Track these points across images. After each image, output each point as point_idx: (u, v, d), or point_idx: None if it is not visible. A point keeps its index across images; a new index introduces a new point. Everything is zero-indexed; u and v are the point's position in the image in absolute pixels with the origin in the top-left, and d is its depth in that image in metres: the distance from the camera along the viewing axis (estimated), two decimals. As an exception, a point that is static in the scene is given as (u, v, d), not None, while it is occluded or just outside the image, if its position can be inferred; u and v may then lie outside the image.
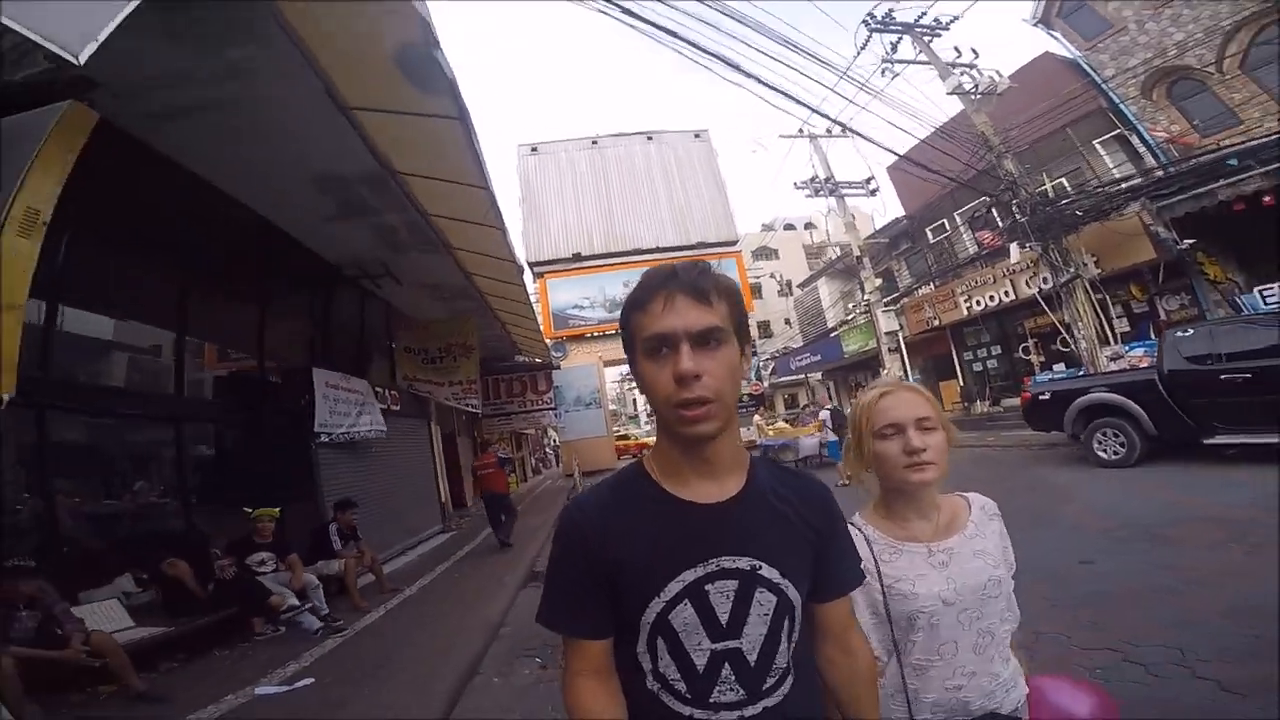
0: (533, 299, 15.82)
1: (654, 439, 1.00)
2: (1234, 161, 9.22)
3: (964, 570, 1.13)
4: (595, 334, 22.54)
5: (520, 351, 15.65)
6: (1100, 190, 11.00)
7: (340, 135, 5.11)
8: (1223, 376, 6.12)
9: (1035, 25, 14.97)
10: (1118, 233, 10.71)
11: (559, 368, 18.91)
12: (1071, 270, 10.63)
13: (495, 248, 7.16)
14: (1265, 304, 9.00)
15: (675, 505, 0.90)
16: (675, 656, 0.87)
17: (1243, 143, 9.91)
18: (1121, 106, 12.91)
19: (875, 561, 1.15)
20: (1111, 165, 12.93)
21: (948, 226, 16.95)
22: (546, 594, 0.94)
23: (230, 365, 6.63)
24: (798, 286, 29.59)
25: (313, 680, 3.76)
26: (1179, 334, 6.91)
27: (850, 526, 1.14)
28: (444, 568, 7.31)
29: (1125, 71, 12.75)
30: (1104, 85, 13.21)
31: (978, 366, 16.43)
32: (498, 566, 7.01)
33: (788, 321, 30.80)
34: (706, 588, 0.86)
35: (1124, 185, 10.96)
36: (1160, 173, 10.93)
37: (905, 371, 16.32)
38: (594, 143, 28.27)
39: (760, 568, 0.88)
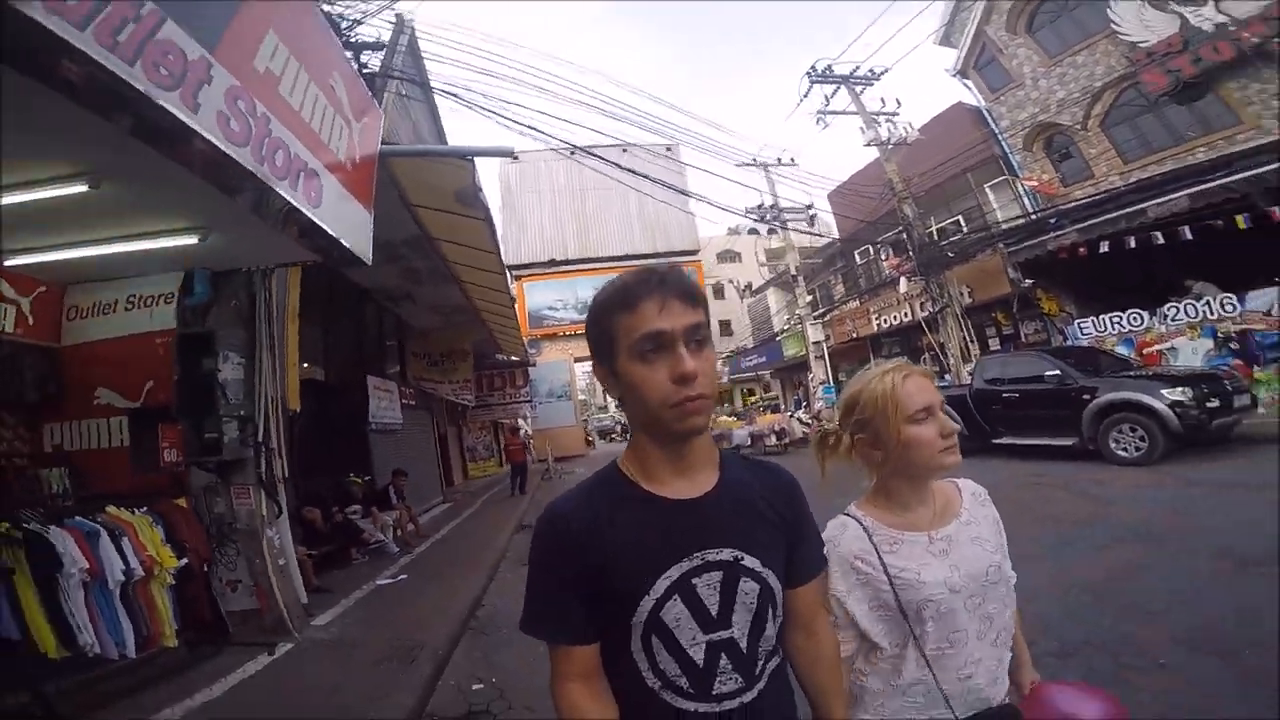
0: (511, 302, 18.23)
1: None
2: (1053, 220, 12.11)
3: (964, 557, 1.12)
4: (567, 333, 24.96)
5: (501, 351, 17.97)
6: (965, 236, 13.86)
7: (402, 218, 7.47)
8: (1004, 394, 8.92)
9: (954, 75, 16.80)
10: (984, 270, 13.61)
11: (535, 365, 21.27)
12: (945, 300, 13.49)
13: (494, 281, 9.60)
14: (1081, 334, 11.92)
15: (656, 503, 0.92)
16: (673, 653, 0.88)
17: (1091, 195, 12.74)
18: (1010, 155, 15.48)
19: (877, 552, 1.11)
20: (997, 207, 15.83)
21: (871, 252, 19.84)
22: (530, 600, 0.94)
23: (308, 374, 8.92)
24: (750, 293, 32.43)
25: (405, 577, 6.22)
26: (985, 359, 9.74)
27: (845, 518, 1.19)
28: (455, 523, 9.81)
29: (1016, 124, 15.11)
30: (999, 135, 15.68)
31: (891, 372, 19.39)
32: (495, 521, 9.53)
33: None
34: (694, 581, 0.88)
35: (982, 233, 13.85)
36: (1005, 225, 13.78)
37: (829, 376, 19.17)
38: (572, 152, 30.42)
39: (742, 558, 0.90)
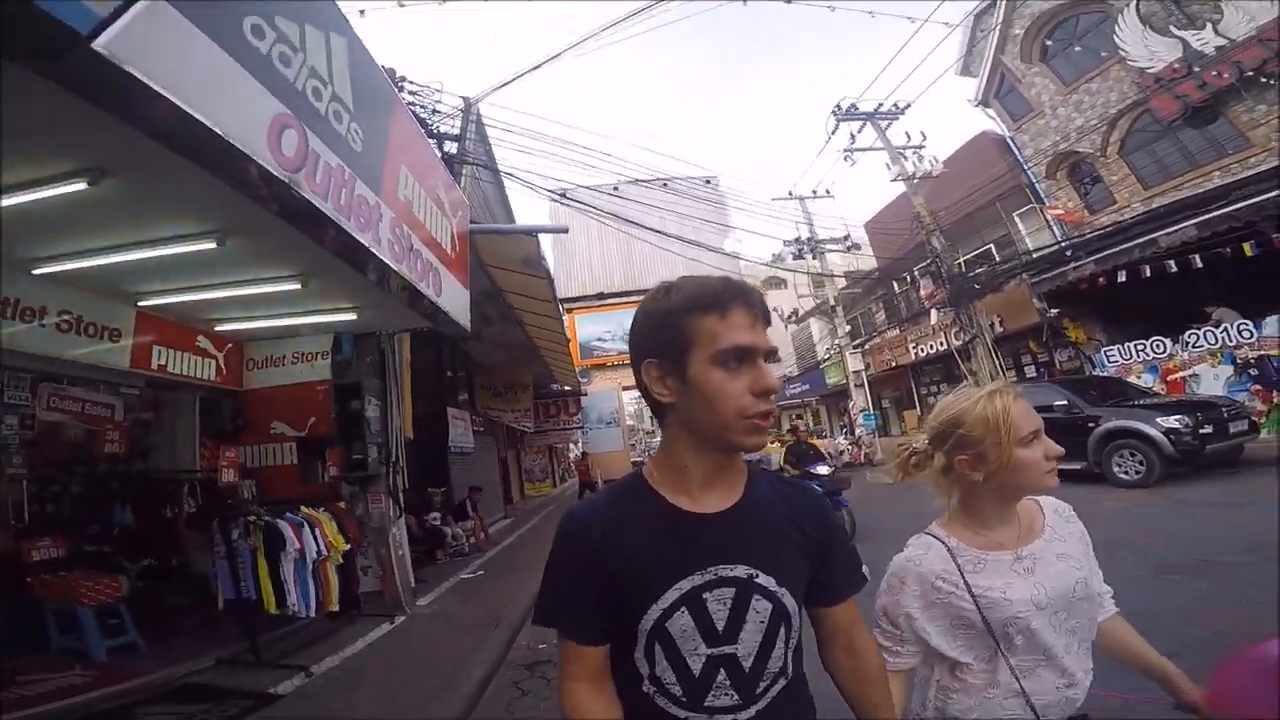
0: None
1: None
2: (1069, 252, 12.66)
3: (1050, 575, 1.12)
4: (615, 363, 26.33)
5: (556, 381, 19.44)
6: (991, 267, 14.50)
7: (478, 275, 8.91)
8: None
9: (976, 105, 17.02)
10: (1012, 300, 14.19)
11: (585, 394, 22.65)
12: (974, 330, 14.14)
13: (551, 323, 10.99)
14: (1109, 362, 12.39)
15: (675, 515, 0.92)
16: (672, 662, 0.89)
17: (1114, 223, 13.16)
18: (1035, 184, 15.78)
19: (960, 573, 1.12)
20: (1026, 235, 16.31)
21: (909, 280, 20.50)
22: (546, 598, 0.96)
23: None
24: (795, 321, 33.19)
25: (482, 573, 7.50)
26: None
27: (929, 538, 1.19)
28: (518, 533, 11.12)
29: (1039, 152, 15.37)
30: (1024, 164, 15.96)
31: (931, 400, 19.87)
32: (552, 532, 10.76)
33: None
34: (704, 596, 0.88)
35: (1006, 264, 14.45)
36: (1025, 257, 14.26)
37: (869, 404, 19.80)
38: (615, 189, 32.31)
39: (757, 576, 0.90)
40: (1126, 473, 7.81)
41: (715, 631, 0.89)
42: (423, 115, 7.91)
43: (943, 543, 1.17)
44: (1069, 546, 1.18)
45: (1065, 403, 8.81)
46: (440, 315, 5.33)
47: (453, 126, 8.53)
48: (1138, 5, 12.68)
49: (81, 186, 2.70)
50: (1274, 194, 9.40)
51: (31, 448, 4.36)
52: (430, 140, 7.19)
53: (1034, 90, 15.33)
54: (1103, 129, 13.74)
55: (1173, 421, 7.44)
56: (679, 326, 0.88)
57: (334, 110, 3.46)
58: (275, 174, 2.82)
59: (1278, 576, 3.52)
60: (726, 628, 0.89)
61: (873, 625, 1.17)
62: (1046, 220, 15.67)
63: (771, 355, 0.89)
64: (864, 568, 1.08)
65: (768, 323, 0.91)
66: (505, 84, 9.10)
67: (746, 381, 0.86)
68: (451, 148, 8.37)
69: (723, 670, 0.89)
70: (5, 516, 4.14)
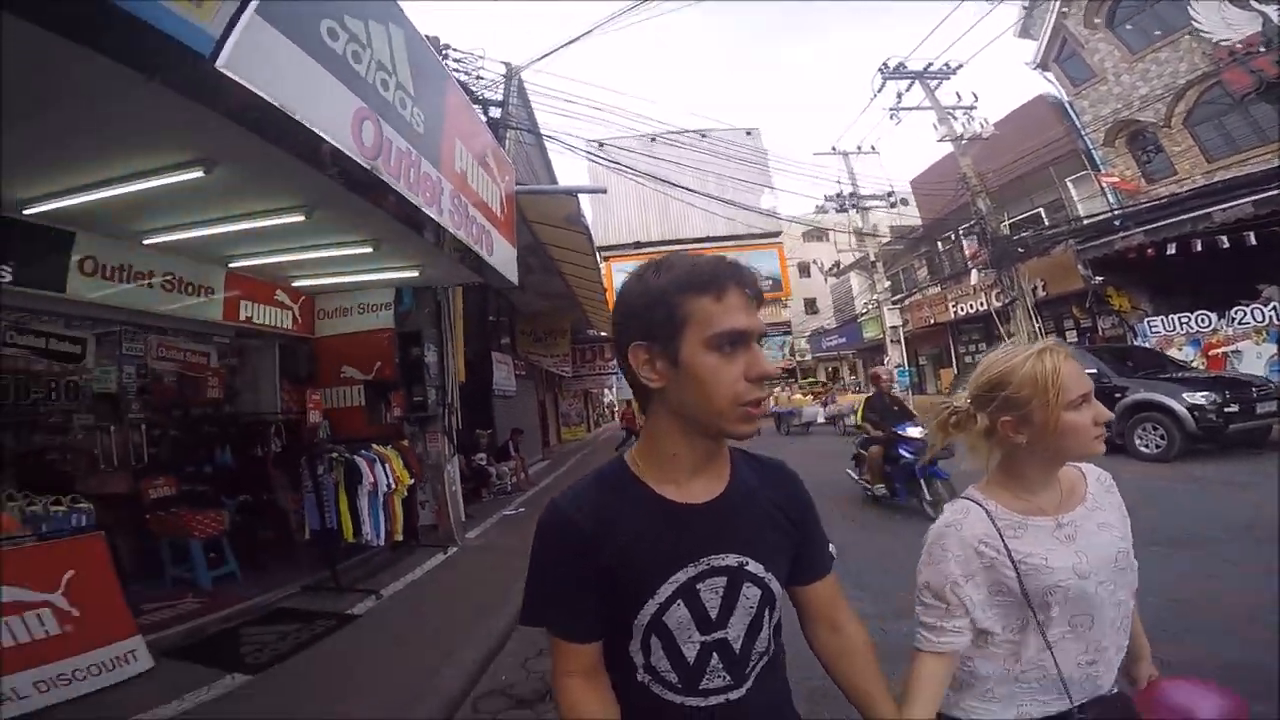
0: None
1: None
2: (1118, 222, 12.33)
3: (1091, 543, 1.08)
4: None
5: (592, 326, 19.96)
6: (1036, 232, 14.18)
7: (522, 230, 9.30)
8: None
9: (1035, 68, 16.61)
10: (1058, 265, 13.93)
11: (621, 340, 23.16)
12: (1015, 293, 13.98)
13: (589, 274, 11.37)
14: (1151, 332, 12.20)
15: (665, 506, 0.90)
16: (668, 651, 0.89)
17: (1170, 195, 12.78)
18: (1092, 150, 15.38)
19: (1001, 537, 1.08)
20: (1078, 201, 15.86)
21: (953, 238, 20.06)
22: (535, 595, 0.93)
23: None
24: (836, 273, 32.77)
25: (524, 509, 8.21)
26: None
27: (967, 502, 1.15)
28: (555, 475, 11.88)
29: (1099, 119, 14.98)
30: (1081, 130, 15.54)
31: (969, 359, 19.74)
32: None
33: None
34: (698, 586, 0.88)
35: (1051, 229, 14.12)
36: (1072, 224, 13.98)
37: (904, 360, 19.78)
38: (652, 140, 31.80)
39: (747, 563, 0.90)
40: (1147, 445, 7.91)
41: (709, 619, 0.89)
42: (466, 81, 8.13)
43: (981, 506, 1.12)
44: (1110, 516, 1.14)
45: (1095, 371, 8.86)
46: (490, 271, 5.78)
47: (496, 92, 8.74)
48: None
49: (199, 174, 3.16)
50: None
51: (145, 394, 5.03)
52: (475, 106, 7.46)
53: (1097, 56, 14.90)
54: (1168, 99, 13.32)
55: (1198, 398, 7.49)
56: (671, 307, 0.84)
57: (399, 98, 3.82)
58: (359, 161, 3.23)
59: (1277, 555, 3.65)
60: (719, 615, 0.89)
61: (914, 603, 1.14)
62: (1101, 187, 15.19)
63: (763, 338, 0.88)
64: (831, 545, 1.09)
65: (760, 304, 0.88)
66: (546, 55, 9.17)
67: (741, 367, 0.83)
68: (495, 112, 8.60)
69: (716, 654, 0.89)
70: (127, 458, 4.83)
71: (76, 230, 3.92)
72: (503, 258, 5.86)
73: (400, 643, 3.77)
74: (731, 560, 0.90)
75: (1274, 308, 10.25)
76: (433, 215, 4.16)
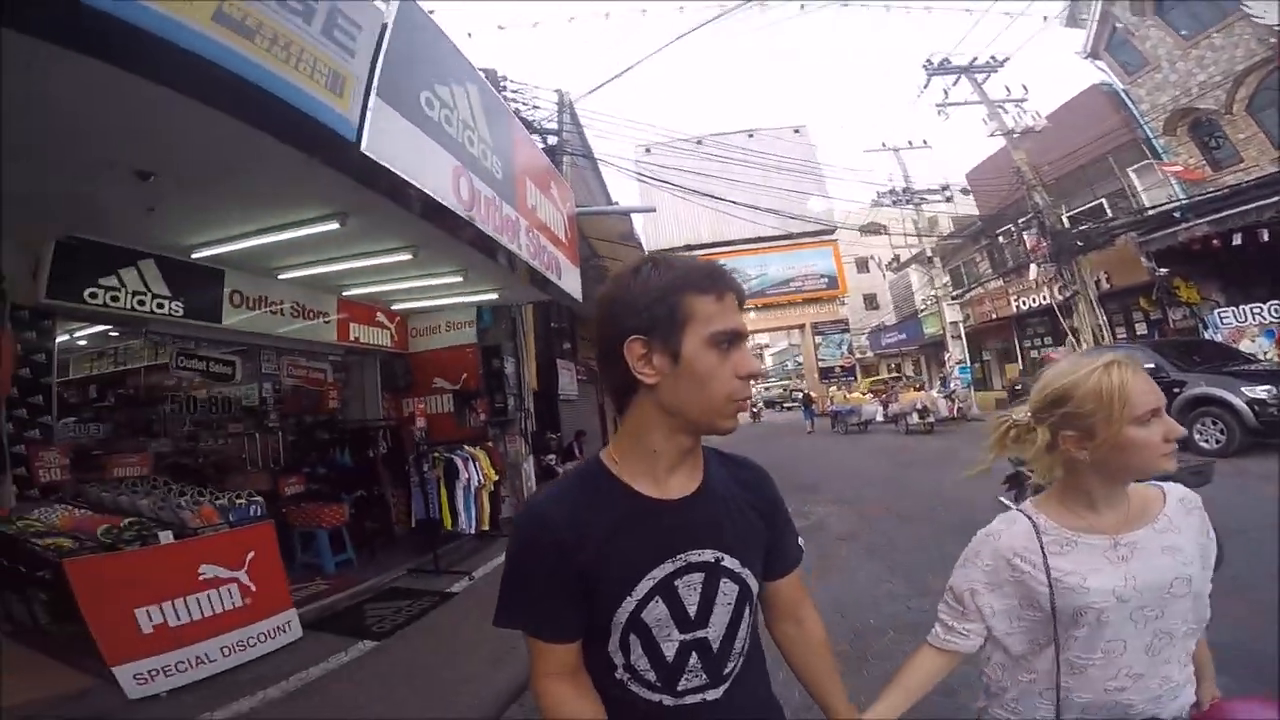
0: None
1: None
2: (1178, 214, 11.96)
3: (1147, 566, 1.04)
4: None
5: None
6: (1094, 225, 13.86)
7: (582, 246, 10.01)
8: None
9: (1086, 58, 16.13)
10: (1121, 257, 13.58)
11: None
12: (1075, 286, 13.72)
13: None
14: (1221, 324, 11.80)
15: (643, 504, 0.91)
16: (647, 649, 0.90)
17: (1238, 183, 12.32)
18: (1152, 139, 14.82)
19: (1043, 553, 1.07)
20: (1142, 190, 15.33)
21: (1013, 231, 19.61)
22: (512, 597, 0.92)
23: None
24: (894, 268, 32.27)
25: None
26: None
27: (1017, 513, 1.15)
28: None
29: (1157, 107, 14.50)
30: (1140, 119, 15.03)
31: (1034, 354, 19.25)
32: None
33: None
34: (675, 583, 0.89)
35: (1112, 221, 13.76)
36: (1131, 216, 13.59)
37: (966, 356, 19.50)
38: (699, 142, 32.25)
39: (723, 559, 0.92)
40: (1207, 440, 7.74)
41: (687, 617, 0.89)
42: (522, 111, 8.87)
43: (1030, 519, 1.11)
44: (1182, 540, 1.07)
45: (1152, 365, 8.78)
46: (557, 290, 6.48)
47: (550, 118, 9.45)
48: None
49: (336, 226, 3.93)
50: None
51: (279, 406, 5.97)
52: (534, 136, 8.20)
53: (1149, 43, 14.52)
54: (1228, 85, 12.83)
55: (1259, 392, 7.35)
56: (674, 304, 0.86)
57: (482, 150, 4.53)
58: (460, 213, 3.93)
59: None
60: (698, 613, 0.90)
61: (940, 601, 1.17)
62: (1165, 177, 14.64)
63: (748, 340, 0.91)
64: (799, 539, 1.10)
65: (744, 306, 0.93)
66: (599, 87, 9.85)
67: (734, 365, 0.86)
68: (551, 138, 9.32)
69: (694, 654, 0.90)
70: (267, 460, 5.75)
71: (225, 269, 4.80)
72: (568, 277, 6.56)
73: (489, 616, 4.44)
74: (709, 556, 0.91)
75: None
76: (514, 250, 4.86)
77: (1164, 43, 14.21)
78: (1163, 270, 12.66)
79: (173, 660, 3.14)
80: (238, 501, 3.81)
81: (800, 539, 1.11)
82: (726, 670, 0.93)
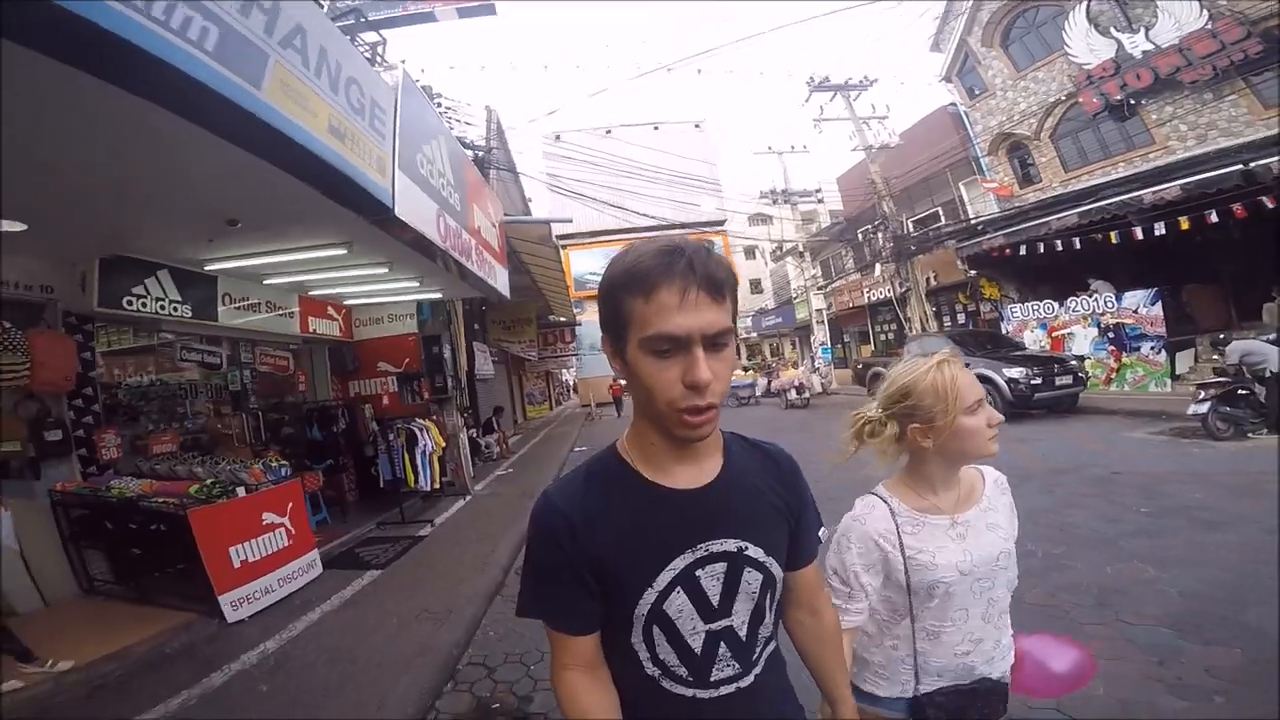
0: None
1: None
2: (979, 226, 15.02)
3: (979, 543, 1.21)
4: (606, 296, 28.71)
5: (553, 313, 21.92)
6: (925, 232, 16.93)
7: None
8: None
9: (940, 80, 18.89)
10: (943, 261, 16.71)
11: (580, 324, 25.19)
12: (909, 284, 16.72)
13: (554, 273, 13.43)
14: (1012, 317, 14.95)
15: (660, 494, 0.89)
16: (672, 642, 0.89)
17: (1031, 203, 15.22)
18: (980, 159, 17.87)
19: (898, 533, 1.20)
20: (969, 202, 18.61)
21: (872, 231, 22.78)
22: (530, 589, 0.93)
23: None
24: (772, 260, 35.46)
25: (511, 470, 10.32)
26: (911, 338, 13.15)
27: (874, 498, 1.28)
28: (529, 445, 14.01)
29: (987, 129, 17.12)
30: (973, 139, 17.98)
31: (883, 337, 22.69)
32: (556, 444, 13.69)
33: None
34: (697, 573, 0.88)
35: (936, 229, 16.88)
36: (951, 225, 16.72)
37: (827, 338, 22.56)
38: (608, 132, 33.60)
39: (746, 548, 0.90)
40: None
41: (711, 607, 0.89)
42: (454, 126, 9.90)
43: (886, 503, 1.25)
44: (1000, 517, 1.26)
45: (948, 350, 11.46)
46: (491, 289, 7.81)
47: (478, 126, 10.56)
48: (1088, 4, 14.13)
49: (343, 251, 5.11)
50: (1138, 193, 11.32)
51: (255, 390, 6.89)
52: (468, 151, 9.31)
53: (990, 72, 17.01)
54: (1040, 114, 15.53)
55: (1014, 372, 10.08)
56: (614, 305, 0.83)
57: (449, 191, 5.80)
58: (438, 245, 5.24)
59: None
60: (721, 602, 0.89)
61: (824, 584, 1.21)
62: (985, 191, 17.89)
63: (713, 338, 0.79)
64: (823, 530, 1.09)
65: (719, 295, 0.80)
66: (535, 120, 11.04)
67: (679, 370, 0.78)
68: (480, 149, 10.45)
69: (723, 643, 0.90)
70: (248, 438, 6.68)
71: (218, 275, 5.75)
72: (500, 278, 7.89)
73: (458, 548, 5.87)
74: (731, 545, 0.89)
75: (1097, 298, 13.04)
76: (468, 265, 6.19)
77: (1002, 72, 16.65)
78: (973, 272, 15.82)
79: (252, 590, 4.27)
80: (273, 465, 4.95)
81: (822, 529, 1.09)
82: (755, 655, 0.93)
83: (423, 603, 4.36)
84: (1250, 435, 7.10)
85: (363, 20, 6.75)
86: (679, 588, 0.88)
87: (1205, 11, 12.34)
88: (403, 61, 8.97)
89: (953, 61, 18.12)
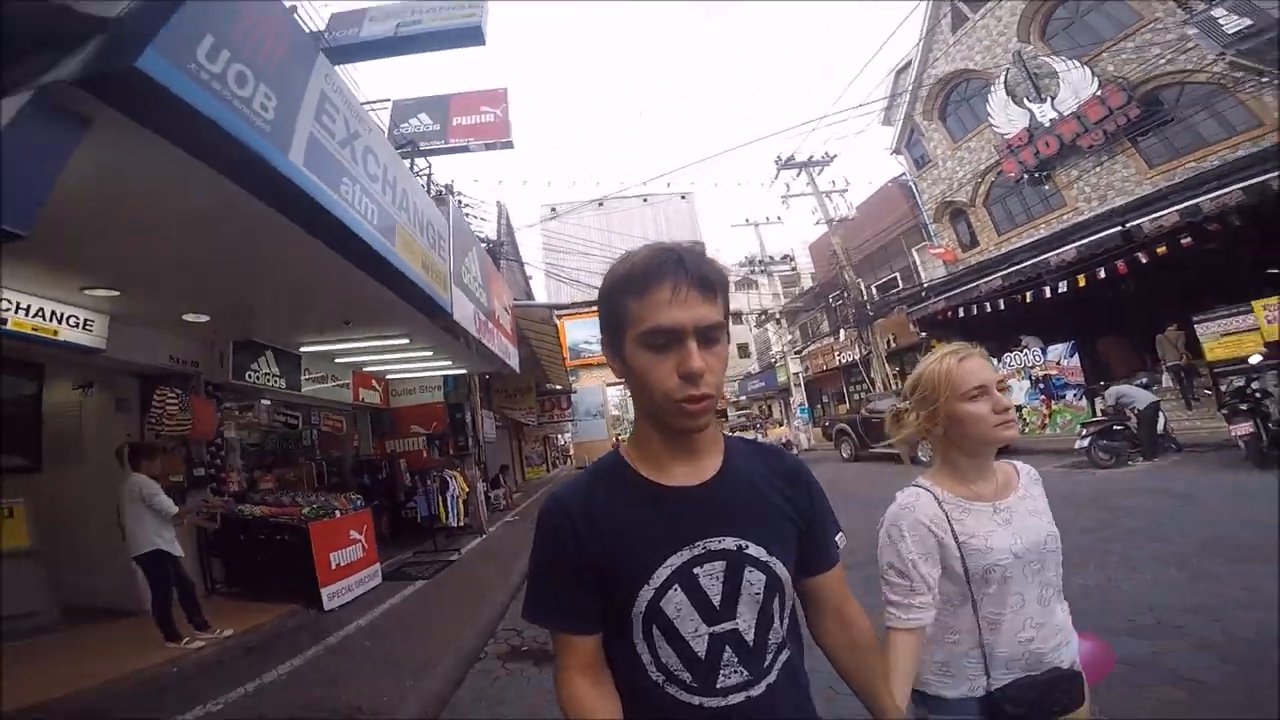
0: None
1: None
2: (923, 292, 16.85)
3: (1025, 526, 1.21)
4: (600, 363, 30.55)
5: (550, 381, 23.69)
6: (883, 298, 18.99)
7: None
8: (872, 420, 14.15)
9: (892, 153, 20.50)
10: (898, 324, 18.66)
11: (575, 391, 26.96)
12: (869, 347, 18.68)
13: (552, 346, 15.27)
14: (962, 373, 16.82)
15: (657, 491, 0.92)
16: (674, 645, 0.88)
17: (977, 264, 16.55)
18: (927, 225, 19.57)
19: (948, 520, 1.20)
20: (920, 266, 20.56)
21: (832, 301, 24.99)
22: (533, 589, 0.96)
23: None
24: (758, 324, 37.71)
25: (516, 517, 11.83)
26: (870, 399, 14.95)
27: (917, 488, 1.28)
28: (530, 500, 15.48)
29: (932, 198, 18.50)
30: (921, 207, 19.63)
31: (856, 396, 24.48)
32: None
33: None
34: (695, 571, 0.88)
35: (891, 294, 18.89)
36: (899, 291, 18.63)
37: (805, 399, 24.35)
38: (600, 204, 36.43)
39: (746, 547, 0.90)
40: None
41: (713, 608, 0.88)
42: (473, 222, 11.98)
43: (929, 491, 1.25)
44: (1038, 504, 1.28)
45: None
46: (505, 365, 9.60)
47: (488, 218, 12.69)
48: (1006, 75, 15.49)
49: (405, 340, 6.91)
50: (1045, 255, 12.46)
51: (321, 445, 8.58)
52: (482, 244, 11.35)
53: (932, 143, 18.46)
54: (974, 182, 16.98)
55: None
56: (612, 307, 0.88)
57: (478, 290, 7.67)
58: (472, 335, 7.05)
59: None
60: (723, 603, 0.88)
61: (878, 585, 1.23)
62: (932, 256, 20.04)
63: (705, 331, 0.84)
64: (840, 535, 1.08)
65: (709, 292, 0.85)
66: (538, 222, 13.24)
67: (674, 363, 0.83)
68: (492, 242, 12.52)
69: (729, 648, 0.88)
70: (314, 481, 8.31)
71: (303, 354, 7.52)
72: (512, 356, 9.71)
73: (481, 568, 7.43)
74: (729, 543, 0.89)
75: (1027, 352, 14.33)
76: (493, 349, 8.00)
77: (942, 144, 17.96)
78: (923, 333, 17.72)
79: (341, 587, 5.84)
80: (351, 498, 6.58)
81: (841, 534, 1.07)
82: (766, 663, 0.91)
83: (464, 598, 5.95)
84: (1129, 463, 8.77)
85: (417, 150, 8.82)
86: (676, 585, 0.87)
87: (1096, 78, 13.52)
88: (458, 197, 11.00)
89: (901, 133, 19.73)
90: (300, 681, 4.15)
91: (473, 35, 4.50)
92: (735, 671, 0.88)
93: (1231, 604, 3.43)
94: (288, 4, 4.28)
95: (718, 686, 0.88)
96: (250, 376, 6.59)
